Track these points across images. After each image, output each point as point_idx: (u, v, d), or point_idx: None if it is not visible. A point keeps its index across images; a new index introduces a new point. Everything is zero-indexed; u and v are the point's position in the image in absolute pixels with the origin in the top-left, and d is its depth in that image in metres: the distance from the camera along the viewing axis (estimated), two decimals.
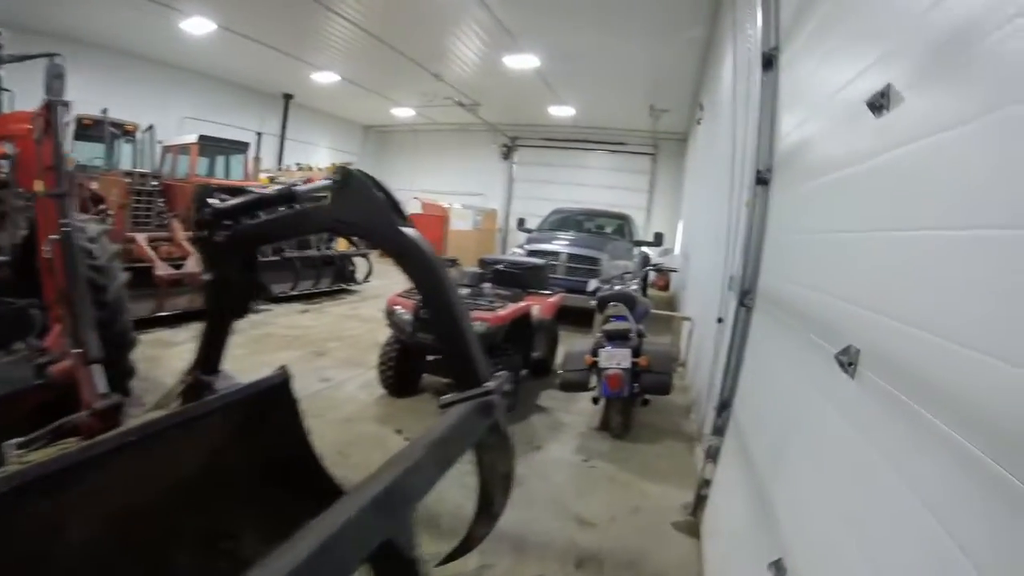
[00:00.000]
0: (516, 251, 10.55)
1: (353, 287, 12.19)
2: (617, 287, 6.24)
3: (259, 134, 15.76)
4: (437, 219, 18.52)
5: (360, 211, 2.35)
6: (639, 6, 9.53)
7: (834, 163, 2.30)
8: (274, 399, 3.09)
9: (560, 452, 5.03)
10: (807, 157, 2.81)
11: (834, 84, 2.32)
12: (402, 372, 5.85)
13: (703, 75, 11.48)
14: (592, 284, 6.66)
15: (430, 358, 5.59)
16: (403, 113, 20.34)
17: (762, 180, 3.44)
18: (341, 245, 12.75)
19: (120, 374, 3.95)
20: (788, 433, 2.46)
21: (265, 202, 2.74)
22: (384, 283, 12.31)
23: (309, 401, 3.84)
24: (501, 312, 5.30)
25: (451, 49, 12.94)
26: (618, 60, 12.26)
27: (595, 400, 5.16)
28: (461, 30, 11.78)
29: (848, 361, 1.74)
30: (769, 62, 3.48)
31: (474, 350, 2.30)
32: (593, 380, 5.08)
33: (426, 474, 1.74)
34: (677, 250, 15.20)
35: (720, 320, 3.83)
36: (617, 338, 5.00)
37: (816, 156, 2.67)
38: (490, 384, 2.24)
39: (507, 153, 22.07)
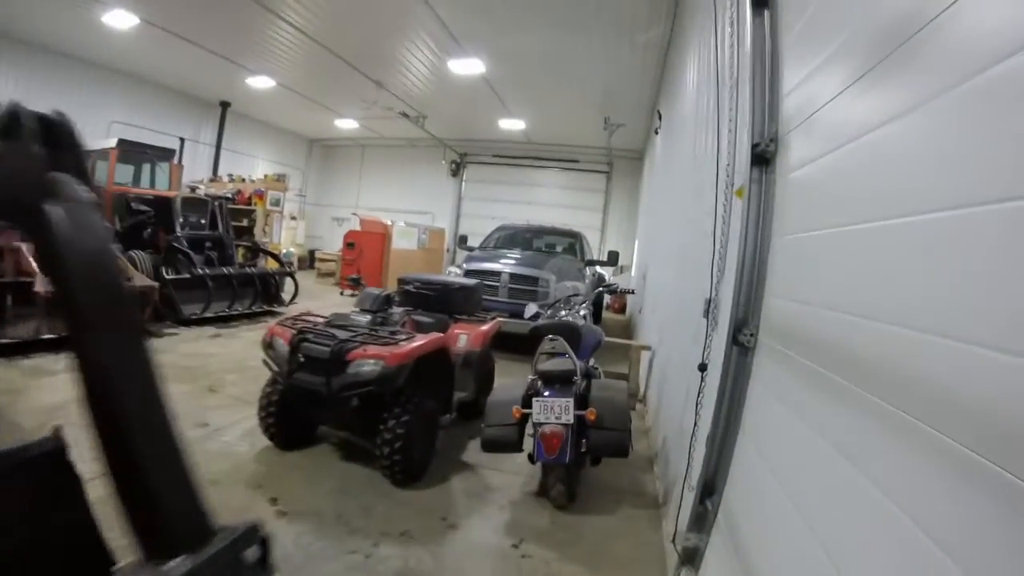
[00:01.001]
0: (453, 271, 9.35)
1: (278, 309, 10.92)
2: (563, 313, 5.08)
3: (182, 140, 14.59)
4: (377, 237, 17.21)
5: None
6: (591, 4, 8.60)
7: (896, 105, 1.29)
8: (43, 472, 1.90)
9: (483, 532, 3.80)
10: (839, 110, 1.73)
11: None
12: (289, 419, 4.61)
13: (662, 81, 10.63)
14: (530, 309, 5.44)
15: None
16: (346, 125, 19.37)
17: (761, 158, 2.35)
18: (271, 264, 11.94)
19: None
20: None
21: None
22: (315, 304, 11.14)
23: None
24: (404, 347, 4.08)
25: (392, 53, 11.97)
26: (569, 66, 11.43)
27: (531, 457, 3.94)
28: (402, 32, 10.85)
29: None
30: None
31: (168, 479, 1.07)
32: (528, 436, 3.89)
33: None
34: (634, 270, 14.34)
35: (704, 368, 2.68)
36: (556, 382, 3.84)
37: (859, 104, 1.59)
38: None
39: (456, 170, 21.35)
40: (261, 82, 14.69)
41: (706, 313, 3.31)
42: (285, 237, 20.51)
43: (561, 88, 13.00)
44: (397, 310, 5.01)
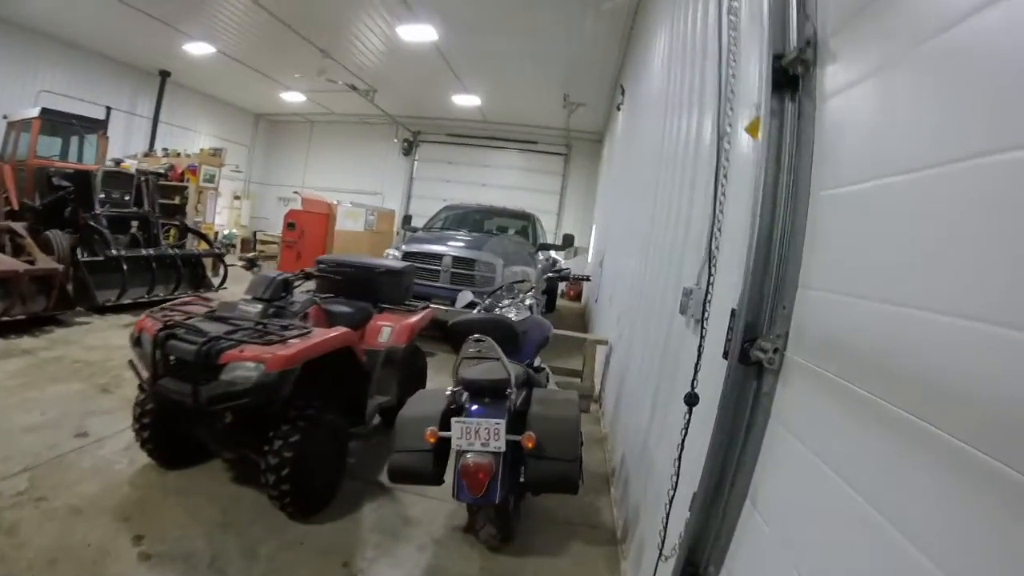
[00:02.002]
0: (391, 253, 8.40)
1: (206, 295, 9.81)
2: (505, 302, 4.20)
3: (108, 109, 13.27)
4: (320, 217, 16.12)
5: None
6: None
7: None
8: None
9: None
10: None
11: None
12: (170, 432, 3.71)
13: (627, 53, 9.81)
14: (464, 297, 4.52)
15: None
16: (294, 98, 18.12)
17: (786, 76, 1.52)
18: (203, 245, 10.98)
19: None
20: None
21: None
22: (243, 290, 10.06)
23: (37, 473, 3.37)
24: (291, 347, 3.17)
25: (339, 18, 10.95)
26: (528, 35, 10.55)
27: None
28: None
29: None
30: None
31: None
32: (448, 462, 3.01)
33: None
34: (590, 256, 13.65)
35: (691, 402, 1.81)
36: (484, 395, 2.98)
37: None
38: None
39: (409, 149, 20.41)
40: (201, 49, 13.45)
41: (686, 309, 2.49)
42: (229, 218, 19.29)
43: (519, 61, 12.16)
44: (300, 297, 4.07)
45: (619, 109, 10.11)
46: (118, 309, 8.14)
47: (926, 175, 0.99)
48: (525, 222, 10.79)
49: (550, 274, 6.43)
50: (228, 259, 11.01)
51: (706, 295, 1.93)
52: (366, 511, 3.65)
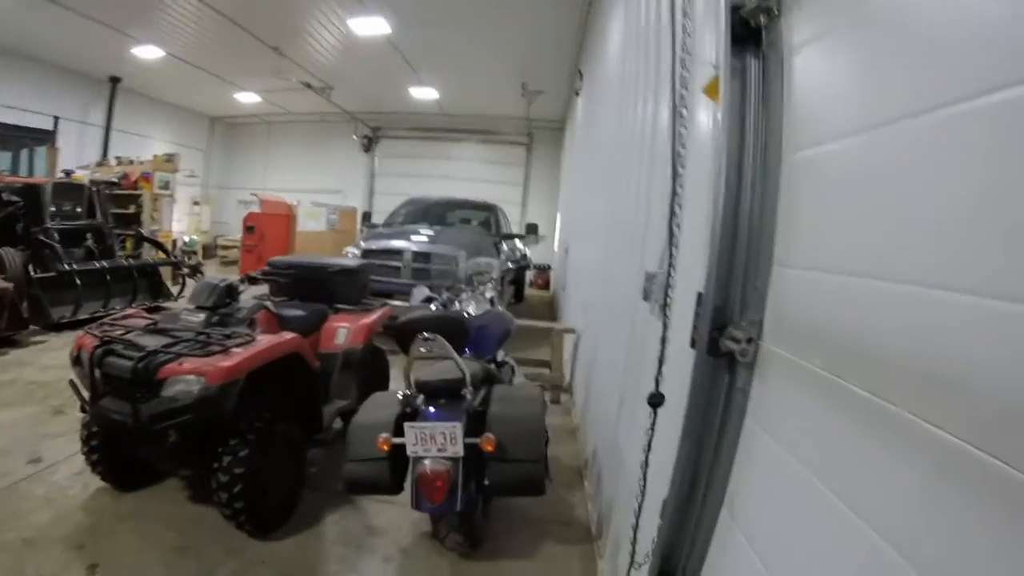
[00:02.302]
0: (351, 251, 8.14)
1: (165, 305, 9.44)
2: (464, 295, 4.01)
3: (56, 119, 12.73)
4: (280, 219, 15.77)
5: None
6: None
7: None
8: None
9: None
10: None
11: None
12: (120, 454, 3.47)
13: (584, 37, 9.64)
14: (419, 293, 4.30)
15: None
16: (249, 99, 17.57)
17: (747, 28, 1.36)
18: (161, 255, 10.59)
19: None
20: None
21: None
22: None
23: None
24: (233, 356, 2.95)
25: (289, 15, 10.59)
26: (482, 24, 10.31)
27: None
28: None
29: None
30: None
31: None
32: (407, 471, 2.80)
33: None
34: (556, 245, 13.54)
35: (656, 402, 1.63)
36: (439, 396, 2.79)
37: None
38: None
39: (369, 145, 19.99)
40: (150, 52, 12.88)
41: (649, 295, 2.34)
42: (189, 225, 18.74)
43: (474, 50, 11.91)
44: (248, 303, 3.84)
45: (578, 95, 9.97)
46: (74, 325, 7.66)
47: (921, 122, 0.83)
48: (488, 213, 10.58)
49: (510, 264, 6.27)
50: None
51: (668, 277, 1.77)
52: (328, 523, 3.45)
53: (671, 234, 1.69)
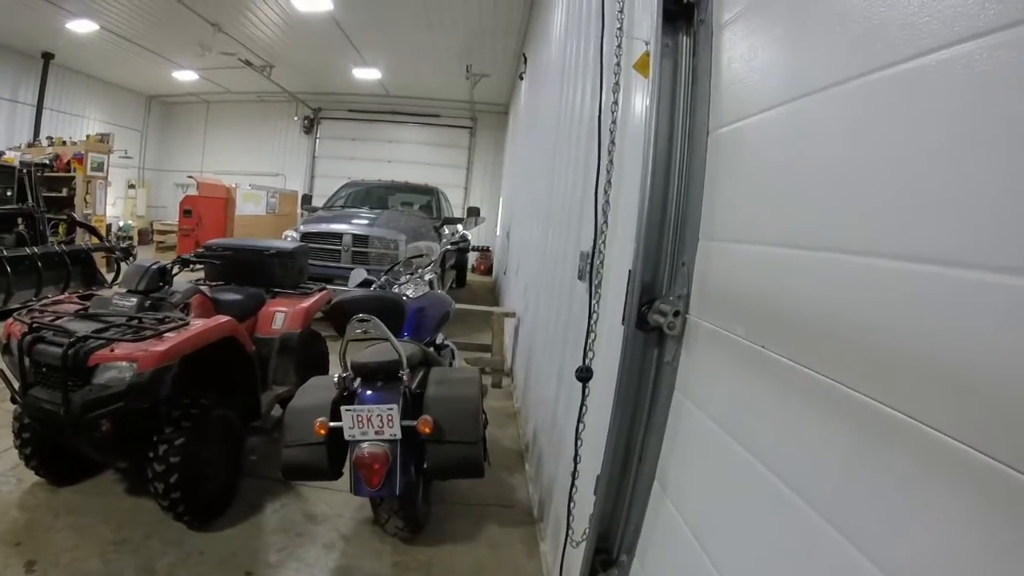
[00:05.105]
0: (289, 235, 7.94)
1: (100, 292, 9.04)
2: (404, 279, 3.96)
3: None
4: (218, 202, 15.24)
5: None
6: None
7: None
8: None
9: None
10: None
11: None
12: (54, 446, 3.31)
13: (529, 22, 9.58)
14: (357, 275, 4.22)
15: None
16: (186, 77, 16.68)
17: (680, 7, 1.37)
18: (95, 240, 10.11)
19: None
20: None
21: None
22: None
23: None
24: (166, 341, 2.84)
25: None
26: (427, 3, 10.12)
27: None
28: None
29: None
30: None
31: None
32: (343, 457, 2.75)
33: None
34: (498, 229, 13.51)
35: (584, 376, 1.64)
36: (375, 379, 2.75)
37: None
38: None
39: (310, 127, 19.41)
40: (83, 26, 12.10)
41: (584, 274, 2.35)
42: (124, 209, 17.95)
43: (419, 30, 11.66)
44: (182, 287, 3.70)
45: (522, 78, 9.94)
46: (5, 315, 7.36)
47: (835, 92, 0.85)
48: (429, 197, 10.47)
49: (449, 247, 6.23)
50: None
51: (594, 254, 1.78)
52: (268, 511, 3.37)
53: (596, 211, 1.69)
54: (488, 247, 9.11)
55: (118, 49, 13.81)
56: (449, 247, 5.70)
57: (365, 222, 7.97)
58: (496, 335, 6.05)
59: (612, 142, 1.65)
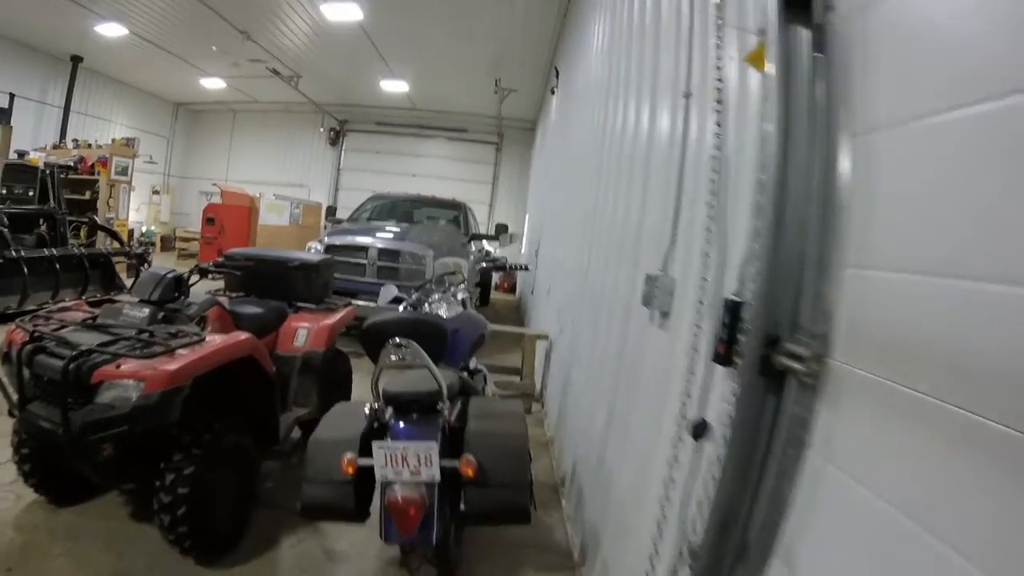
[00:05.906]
0: (313, 246, 7.75)
1: (118, 297, 8.96)
2: (435, 296, 3.71)
3: (11, 96, 12.08)
4: (242, 211, 15.29)
5: None
6: None
7: None
8: None
9: None
10: None
11: None
12: (58, 463, 3.06)
13: (561, 35, 9.42)
14: (388, 292, 3.96)
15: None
16: (214, 85, 16.90)
17: None
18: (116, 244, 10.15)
19: None
20: None
21: None
22: None
23: None
24: (179, 359, 2.61)
25: None
26: (455, 15, 10.08)
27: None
28: None
29: None
30: None
31: None
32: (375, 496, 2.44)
33: None
34: (524, 247, 13.27)
35: (699, 433, 1.32)
36: (411, 411, 2.45)
37: None
38: None
39: (335, 139, 19.49)
40: (112, 30, 12.23)
41: (649, 301, 2.09)
42: (148, 214, 18.07)
43: (448, 43, 11.64)
44: (200, 298, 3.49)
45: (553, 92, 9.75)
46: (19, 316, 7.25)
47: None
48: (456, 212, 10.27)
49: (483, 264, 5.97)
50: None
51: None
52: (284, 547, 3.11)
53: (705, 231, 1.43)
54: (527, 266, 8.90)
55: (147, 54, 13.96)
56: (484, 264, 5.44)
57: (391, 235, 7.77)
58: (527, 358, 5.79)
59: (718, 147, 1.39)
